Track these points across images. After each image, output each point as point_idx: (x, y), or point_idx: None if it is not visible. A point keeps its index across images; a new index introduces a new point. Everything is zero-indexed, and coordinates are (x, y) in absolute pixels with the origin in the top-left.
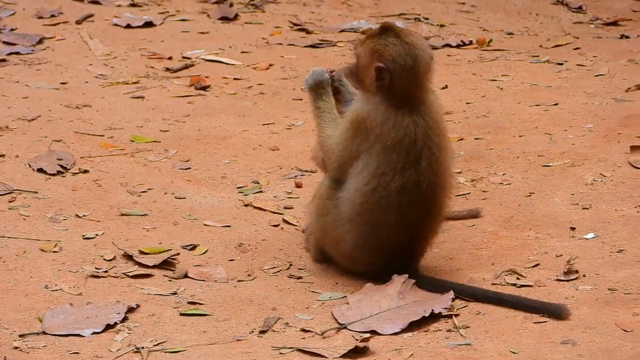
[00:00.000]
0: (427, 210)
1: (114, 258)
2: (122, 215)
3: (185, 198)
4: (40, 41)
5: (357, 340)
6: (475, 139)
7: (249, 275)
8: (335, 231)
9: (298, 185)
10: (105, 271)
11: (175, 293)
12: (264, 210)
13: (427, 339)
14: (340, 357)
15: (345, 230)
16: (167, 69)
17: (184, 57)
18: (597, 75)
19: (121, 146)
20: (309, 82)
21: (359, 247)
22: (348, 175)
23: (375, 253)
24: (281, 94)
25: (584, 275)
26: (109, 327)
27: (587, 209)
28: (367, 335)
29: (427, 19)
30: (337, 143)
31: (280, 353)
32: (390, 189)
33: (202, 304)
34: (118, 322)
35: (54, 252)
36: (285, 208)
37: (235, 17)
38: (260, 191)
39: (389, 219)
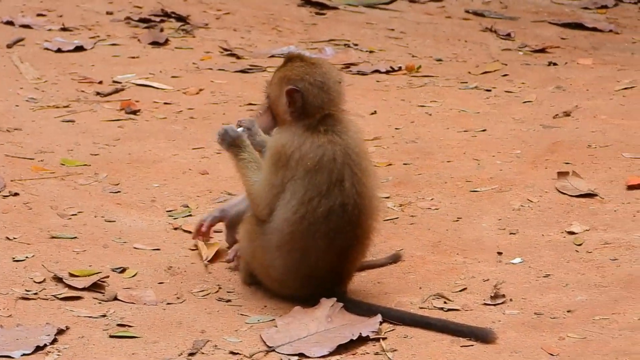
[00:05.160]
0: (354, 234)
1: (44, 280)
2: (52, 238)
3: (115, 221)
4: None
5: None
6: (404, 164)
7: (178, 298)
8: (265, 257)
9: None
10: (35, 293)
11: (104, 315)
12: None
13: None
14: None
15: (274, 256)
16: (98, 93)
17: (114, 82)
18: (525, 102)
19: (52, 169)
20: (227, 140)
21: (288, 272)
22: (276, 206)
23: (304, 278)
24: (211, 118)
25: (511, 300)
26: (38, 348)
27: (514, 234)
28: (296, 358)
29: (356, 44)
30: (264, 186)
31: None
32: (317, 214)
33: (131, 326)
34: (48, 344)
35: None
36: (214, 232)
37: (166, 42)
38: (190, 215)
39: (317, 244)
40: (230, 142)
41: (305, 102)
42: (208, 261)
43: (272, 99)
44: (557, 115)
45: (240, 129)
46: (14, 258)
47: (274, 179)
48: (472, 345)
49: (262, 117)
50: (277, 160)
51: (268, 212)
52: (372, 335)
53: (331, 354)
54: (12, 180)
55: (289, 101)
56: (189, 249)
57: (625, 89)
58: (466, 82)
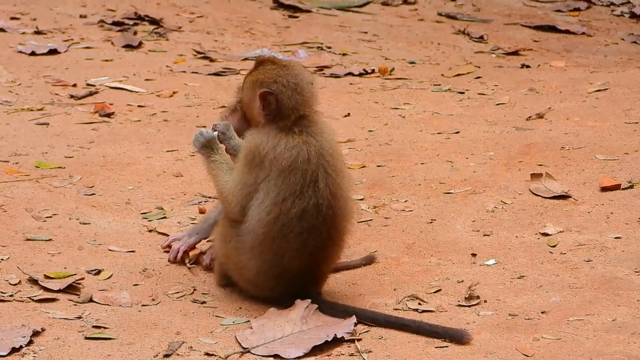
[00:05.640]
0: (328, 235)
1: (19, 282)
2: (27, 240)
3: (90, 223)
4: None
5: None
6: (378, 166)
7: (153, 299)
8: (238, 258)
9: (202, 212)
10: (11, 295)
11: (80, 317)
12: (168, 235)
13: None
14: None
15: (247, 258)
16: (72, 96)
17: (88, 85)
18: (498, 104)
19: (26, 172)
20: (200, 140)
21: (261, 273)
22: (249, 207)
23: (278, 279)
24: (185, 121)
25: (485, 301)
26: (14, 350)
27: (488, 235)
28: (271, 359)
29: (329, 47)
30: (236, 184)
31: None
32: (291, 215)
33: (106, 328)
34: (24, 345)
35: None
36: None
37: (139, 45)
38: (165, 217)
39: (291, 245)
40: (203, 144)
41: (280, 104)
42: (191, 264)
43: (246, 102)
44: (530, 117)
45: (215, 133)
46: None
47: (247, 178)
48: (446, 347)
49: (231, 119)
50: (251, 160)
51: (240, 211)
52: (347, 337)
53: (306, 355)
54: None
55: (263, 104)
56: (163, 251)
57: (598, 91)
58: (439, 85)
